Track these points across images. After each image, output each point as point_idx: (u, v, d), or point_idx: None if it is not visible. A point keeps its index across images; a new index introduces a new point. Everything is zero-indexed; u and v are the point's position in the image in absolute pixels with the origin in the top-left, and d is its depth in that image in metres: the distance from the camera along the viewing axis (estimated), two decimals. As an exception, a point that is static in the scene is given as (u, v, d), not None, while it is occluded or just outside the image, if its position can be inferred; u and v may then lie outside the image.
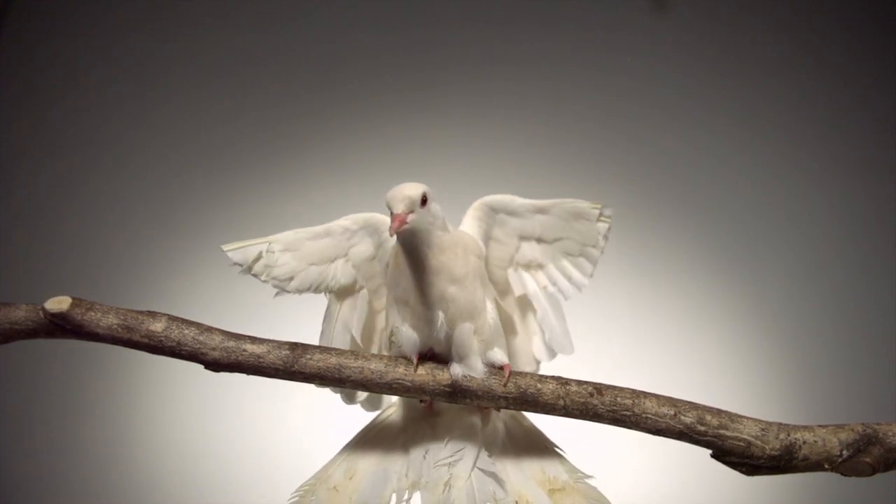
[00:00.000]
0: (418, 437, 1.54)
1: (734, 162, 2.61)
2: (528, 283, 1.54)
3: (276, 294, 1.53)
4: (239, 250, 1.51)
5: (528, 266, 1.54)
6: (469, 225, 1.51)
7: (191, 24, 2.66)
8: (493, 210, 1.51)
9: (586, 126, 2.63)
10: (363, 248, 1.53)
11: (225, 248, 1.51)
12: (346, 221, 1.52)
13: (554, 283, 1.53)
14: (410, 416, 1.57)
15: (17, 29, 2.61)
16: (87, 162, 2.59)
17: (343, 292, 1.55)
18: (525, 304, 1.57)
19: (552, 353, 1.55)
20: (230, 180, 2.59)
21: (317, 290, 1.54)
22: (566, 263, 1.53)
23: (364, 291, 1.55)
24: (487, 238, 1.52)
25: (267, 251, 1.51)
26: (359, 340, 1.54)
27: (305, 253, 1.52)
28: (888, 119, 2.60)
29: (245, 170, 2.60)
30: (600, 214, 1.50)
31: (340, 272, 1.53)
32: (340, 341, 1.54)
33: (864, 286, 2.52)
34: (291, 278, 1.52)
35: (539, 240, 1.52)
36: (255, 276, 1.51)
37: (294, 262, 1.51)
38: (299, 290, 1.53)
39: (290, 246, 1.51)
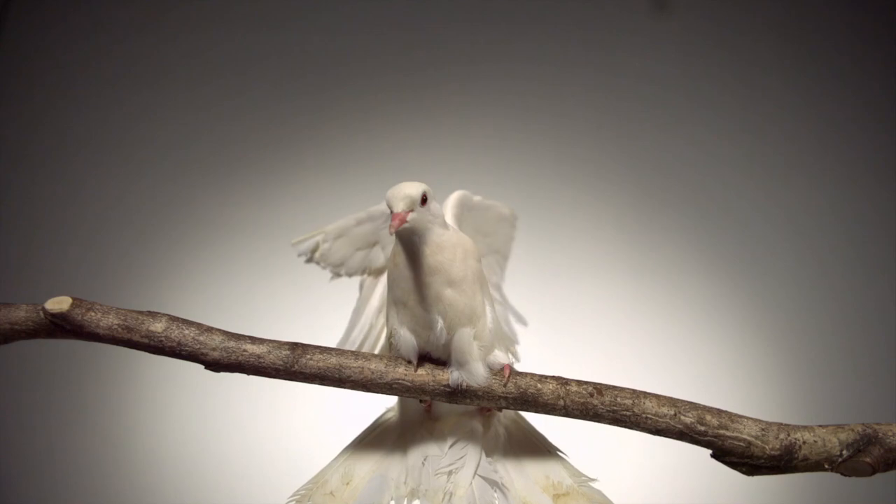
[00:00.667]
0: (417, 443, 1.53)
1: (734, 162, 2.61)
2: None
3: (332, 278, 1.63)
4: (303, 243, 1.61)
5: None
6: (450, 221, 1.54)
7: (191, 24, 2.66)
8: (462, 205, 1.60)
9: (586, 126, 2.63)
10: None
11: (293, 241, 1.61)
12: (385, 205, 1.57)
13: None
14: (409, 420, 1.56)
15: (17, 29, 2.61)
16: (87, 162, 2.59)
17: (377, 272, 1.63)
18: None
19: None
20: (230, 180, 2.59)
21: (363, 272, 1.63)
22: (492, 260, 1.67)
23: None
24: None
25: (323, 241, 1.60)
26: (373, 319, 1.60)
27: (353, 238, 1.61)
28: (888, 119, 2.60)
29: (245, 170, 2.60)
30: (514, 221, 1.67)
31: (378, 254, 1.62)
32: (366, 320, 1.61)
33: (864, 286, 2.52)
34: (342, 263, 1.61)
35: (483, 235, 1.65)
36: (316, 263, 1.62)
37: (344, 248, 1.61)
38: (349, 274, 1.63)
39: (341, 233, 1.61)
